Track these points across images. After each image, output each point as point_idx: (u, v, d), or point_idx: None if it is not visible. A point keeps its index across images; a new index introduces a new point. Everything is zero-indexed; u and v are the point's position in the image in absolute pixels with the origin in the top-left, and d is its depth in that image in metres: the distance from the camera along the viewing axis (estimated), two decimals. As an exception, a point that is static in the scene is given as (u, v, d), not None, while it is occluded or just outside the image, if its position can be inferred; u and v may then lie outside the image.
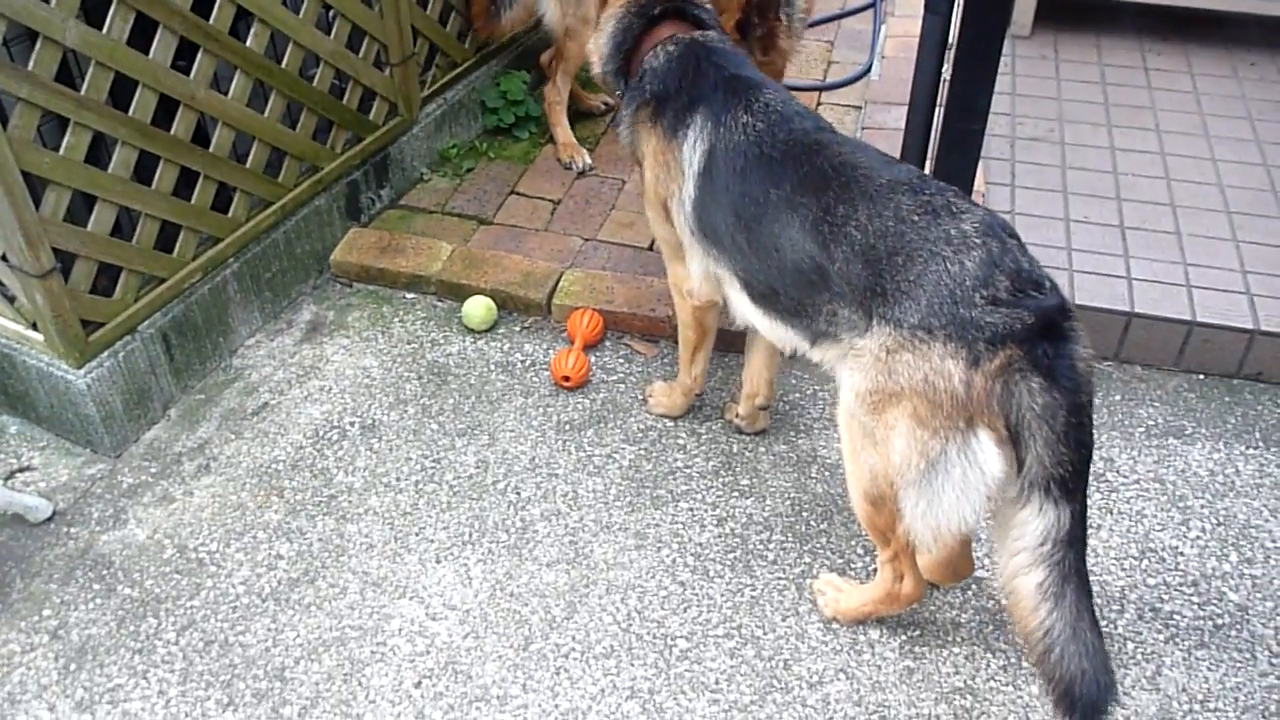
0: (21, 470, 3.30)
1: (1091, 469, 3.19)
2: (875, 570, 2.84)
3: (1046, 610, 2.28)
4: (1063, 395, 2.20)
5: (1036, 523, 2.26)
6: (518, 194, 4.37)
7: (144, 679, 2.76)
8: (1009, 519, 2.32)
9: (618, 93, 3.13)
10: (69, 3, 2.89)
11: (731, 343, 3.47)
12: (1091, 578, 2.90)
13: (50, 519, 3.15)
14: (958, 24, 3.10)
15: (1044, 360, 2.20)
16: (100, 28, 3.00)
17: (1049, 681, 2.32)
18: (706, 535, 3.09)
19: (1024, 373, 2.20)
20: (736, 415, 3.40)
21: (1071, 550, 2.28)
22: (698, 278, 3.01)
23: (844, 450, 2.57)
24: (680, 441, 3.38)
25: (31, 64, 2.86)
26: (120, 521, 3.15)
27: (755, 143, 2.68)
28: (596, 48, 3.11)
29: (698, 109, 2.81)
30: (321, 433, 3.43)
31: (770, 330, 2.81)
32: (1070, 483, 2.24)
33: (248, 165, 3.60)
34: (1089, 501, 3.12)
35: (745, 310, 2.86)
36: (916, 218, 2.36)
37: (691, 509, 3.17)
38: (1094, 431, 2.30)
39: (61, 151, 2.98)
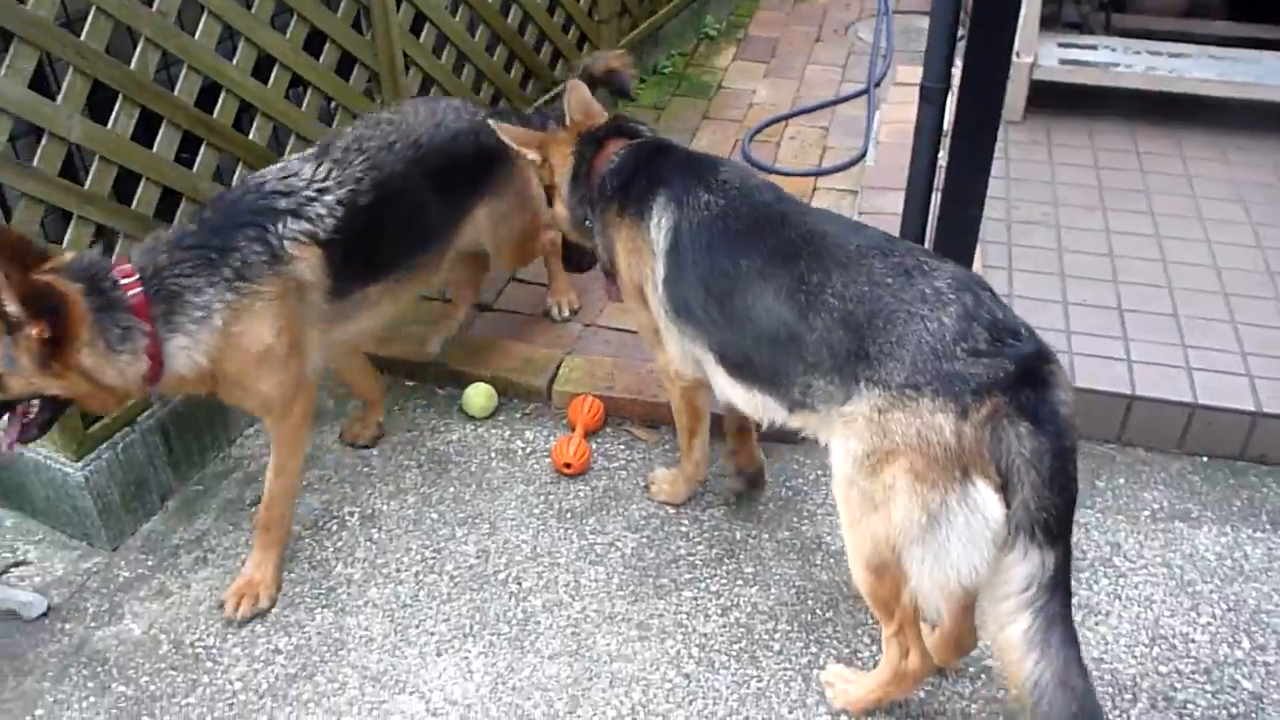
0: (16, 565, 3.26)
1: (1100, 554, 3.17)
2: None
3: (1033, 660, 2.25)
4: (1048, 439, 2.23)
5: (1021, 567, 2.25)
6: (518, 281, 4.39)
7: (138, 780, 2.70)
8: (999, 568, 2.30)
9: (590, 227, 3.15)
10: (75, 99, 2.93)
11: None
12: (1102, 666, 2.88)
13: (45, 614, 3.10)
14: (953, 112, 3.15)
15: (1028, 405, 2.24)
16: (105, 123, 3.04)
17: None
18: (711, 625, 3.05)
19: (1011, 419, 2.23)
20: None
21: (1055, 596, 2.27)
22: (678, 359, 3.02)
23: (843, 522, 2.54)
24: (683, 529, 3.35)
25: (37, 160, 2.89)
26: (116, 616, 3.10)
27: (720, 217, 2.77)
28: (561, 197, 3.19)
29: (658, 190, 2.90)
30: (320, 523, 3.40)
31: (749, 401, 2.80)
32: (1054, 527, 2.24)
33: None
34: (1097, 587, 3.11)
35: (723, 384, 2.88)
36: (890, 280, 2.43)
37: (695, 598, 3.13)
38: (1078, 477, 2.31)
39: (65, 244, 3.00)
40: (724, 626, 3.04)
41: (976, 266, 3.44)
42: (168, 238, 2.80)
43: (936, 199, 3.30)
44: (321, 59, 3.73)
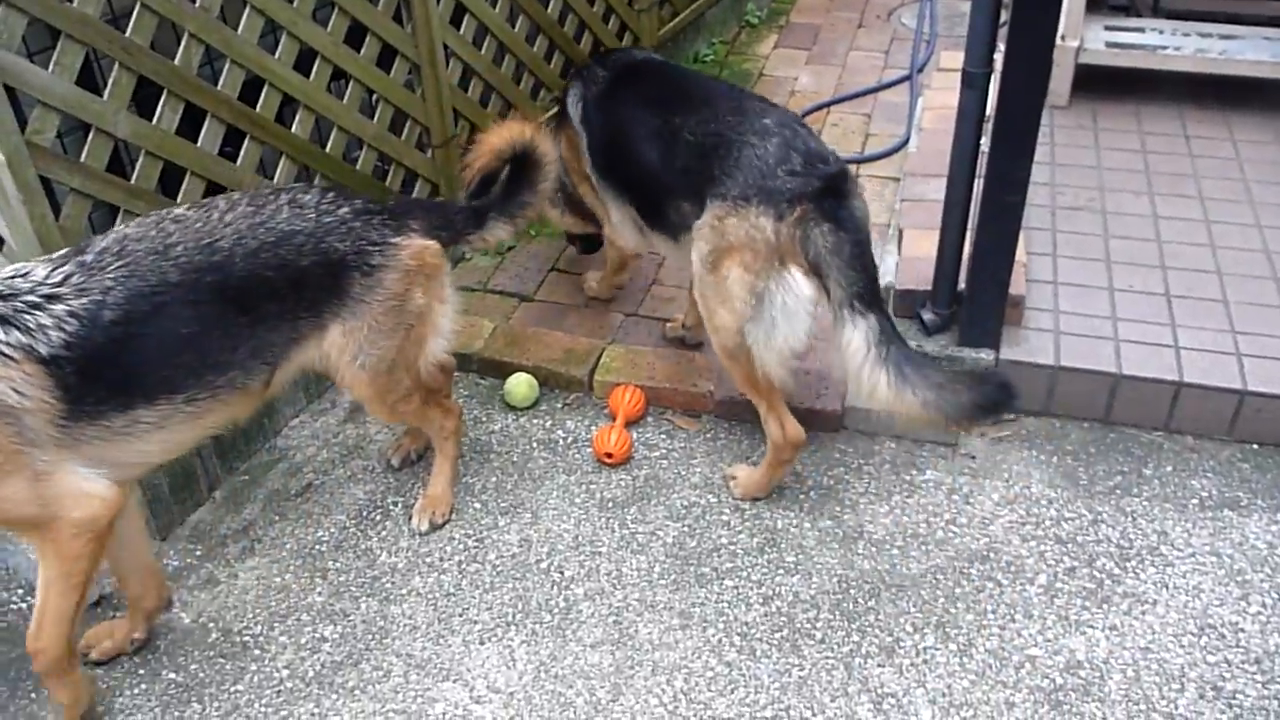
0: (69, 553, 3.32)
1: (1147, 542, 3.14)
2: (925, 648, 2.80)
3: (910, 394, 2.84)
4: (846, 234, 2.89)
5: (857, 335, 2.87)
6: (559, 271, 4.40)
7: (188, 765, 2.75)
8: (842, 348, 2.91)
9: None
10: (121, 95, 2.97)
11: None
12: (1149, 655, 2.86)
13: (97, 603, 3.16)
14: (995, 97, 3.12)
15: (829, 210, 2.90)
16: (150, 118, 3.08)
17: (969, 412, 2.87)
18: (753, 614, 3.05)
19: (815, 220, 2.89)
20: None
21: (894, 345, 2.88)
22: (623, 228, 3.62)
23: (703, 317, 3.20)
24: (724, 518, 3.35)
25: (84, 155, 2.94)
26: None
27: (611, 81, 3.53)
28: (565, 213, 3.98)
29: (567, 89, 3.70)
30: (365, 513, 3.43)
31: (668, 247, 3.43)
32: (866, 296, 2.89)
33: (293, 248, 3.64)
34: (1144, 575, 3.08)
35: (654, 240, 3.51)
36: (731, 118, 3.10)
37: (737, 587, 3.13)
38: (874, 260, 3.00)
39: (112, 239, 3.04)
40: (765, 615, 3.04)
41: (1020, 253, 3.40)
42: None
43: (979, 185, 3.28)
44: (362, 51, 3.75)
